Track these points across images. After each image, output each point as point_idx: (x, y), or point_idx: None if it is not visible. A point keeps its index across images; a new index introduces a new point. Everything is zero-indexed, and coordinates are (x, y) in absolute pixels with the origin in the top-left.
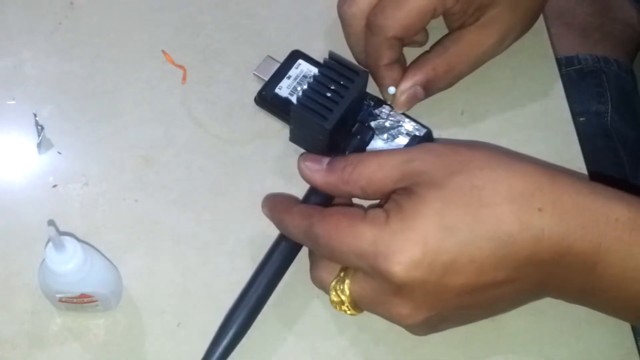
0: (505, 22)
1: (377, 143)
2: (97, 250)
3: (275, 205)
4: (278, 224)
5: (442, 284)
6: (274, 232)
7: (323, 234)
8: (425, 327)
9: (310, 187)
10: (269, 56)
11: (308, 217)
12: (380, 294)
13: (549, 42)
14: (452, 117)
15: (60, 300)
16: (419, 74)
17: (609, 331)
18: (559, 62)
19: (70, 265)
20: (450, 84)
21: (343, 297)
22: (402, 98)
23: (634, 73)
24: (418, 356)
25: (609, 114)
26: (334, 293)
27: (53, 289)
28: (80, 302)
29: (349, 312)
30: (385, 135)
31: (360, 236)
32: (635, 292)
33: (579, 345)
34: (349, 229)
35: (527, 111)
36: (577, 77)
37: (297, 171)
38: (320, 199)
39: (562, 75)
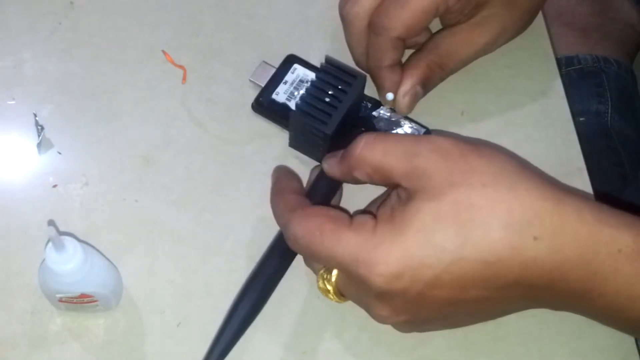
0: (500, 23)
1: None
2: (97, 250)
3: (276, 181)
4: (270, 202)
5: (423, 295)
6: (274, 232)
7: (303, 235)
8: (408, 327)
9: (316, 176)
10: (264, 61)
11: (292, 211)
12: (362, 294)
13: (549, 42)
14: (452, 117)
15: (60, 300)
16: (416, 73)
17: (609, 331)
18: (559, 62)
19: (70, 265)
20: (442, 80)
21: (329, 287)
22: (405, 100)
23: (634, 73)
24: (418, 356)
25: (609, 114)
26: (320, 280)
27: (53, 289)
28: (80, 302)
29: (334, 300)
30: None
31: (343, 242)
32: (629, 317)
33: (579, 346)
34: (332, 234)
35: (527, 111)
36: (577, 77)
37: (297, 172)
38: (324, 188)
39: (562, 75)
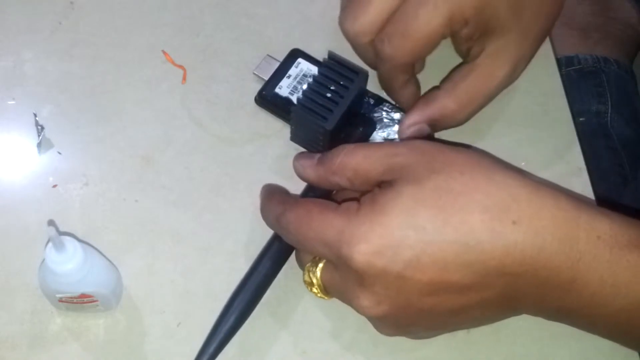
0: (516, 51)
1: (377, 140)
2: (97, 250)
3: (262, 192)
4: (260, 210)
5: (403, 278)
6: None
7: (293, 220)
8: (392, 325)
9: (307, 185)
10: (268, 55)
11: (283, 203)
12: (345, 284)
13: (549, 42)
14: None
15: (60, 300)
16: (427, 111)
17: None
18: (559, 62)
19: (70, 265)
20: (462, 122)
21: (314, 280)
22: (409, 132)
23: (634, 73)
24: (418, 357)
25: (609, 114)
26: (306, 274)
27: (53, 289)
28: (81, 302)
29: (318, 295)
30: (385, 133)
31: (328, 224)
32: (614, 310)
33: (579, 346)
34: (319, 216)
35: (527, 111)
36: (577, 77)
37: None
38: (316, 195)
39: (562, 75)
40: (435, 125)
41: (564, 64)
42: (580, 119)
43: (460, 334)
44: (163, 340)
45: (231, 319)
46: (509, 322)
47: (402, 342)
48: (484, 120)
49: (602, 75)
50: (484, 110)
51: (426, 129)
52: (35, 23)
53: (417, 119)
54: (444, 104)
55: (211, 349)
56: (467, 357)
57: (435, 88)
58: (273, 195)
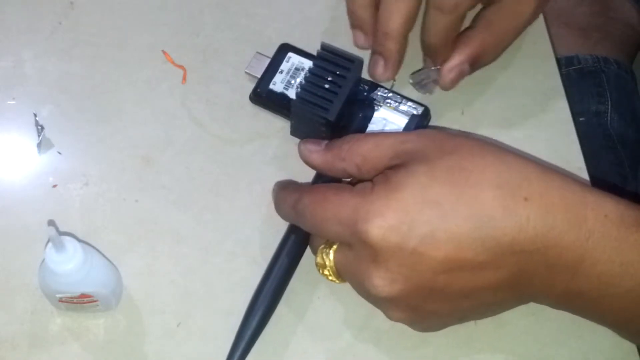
0: None
1: (377, 123)
2: (97, 250)
3: (276, 186)
4: (274, 203)
5: (418, 254)
6: (274, 232)
7: (309, 204)
8: (404, 307)
9: (315, 175)
10: (258, 52)
11: (298, 191)
12: (359, 263)
13: (549, 42)
14: (452, 117)
15: (60, 300)
16: (467, 50)
17: (609, 331)
18: (559, 62)
19: (70, 265)
20: (495, 58)
21: (327, 261)
22: (451, 76)
23: (634, 73)
24: (419, 356)
25: (609, 114)
26: (319, 255)
27: (53, 289)
28: (81, 302)
29: (330, 277)
30: (382, 115)
31: (344, 203)
32: (621, 291)
33: (579, 345)
34: (334, 197)
35: (527, 111)
36: (577, 77)
37: (297, 171)
38: (328, 179)
39: (562, 75)
40: (474, 63)
41: (564, 64)
42: (580, 119)
43: (463, 333)
44: (163, 340)
45: (257, 317)
46: (510, 321)
47: (404, 341)
48: (484, 120)
49: (602, 75)
50: (484, 109)
51: (467, 68)
52: (35, 23)
53: (459, 59)
54: (483, 40)
55: (241, 348)
56: (468, 356)
57: (468, 29)
58: (287, 186)
